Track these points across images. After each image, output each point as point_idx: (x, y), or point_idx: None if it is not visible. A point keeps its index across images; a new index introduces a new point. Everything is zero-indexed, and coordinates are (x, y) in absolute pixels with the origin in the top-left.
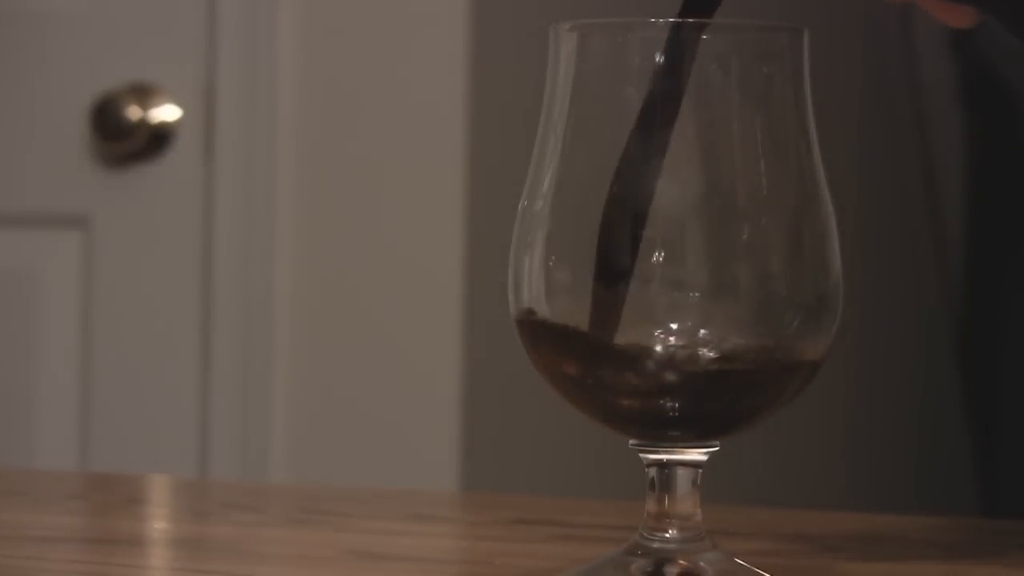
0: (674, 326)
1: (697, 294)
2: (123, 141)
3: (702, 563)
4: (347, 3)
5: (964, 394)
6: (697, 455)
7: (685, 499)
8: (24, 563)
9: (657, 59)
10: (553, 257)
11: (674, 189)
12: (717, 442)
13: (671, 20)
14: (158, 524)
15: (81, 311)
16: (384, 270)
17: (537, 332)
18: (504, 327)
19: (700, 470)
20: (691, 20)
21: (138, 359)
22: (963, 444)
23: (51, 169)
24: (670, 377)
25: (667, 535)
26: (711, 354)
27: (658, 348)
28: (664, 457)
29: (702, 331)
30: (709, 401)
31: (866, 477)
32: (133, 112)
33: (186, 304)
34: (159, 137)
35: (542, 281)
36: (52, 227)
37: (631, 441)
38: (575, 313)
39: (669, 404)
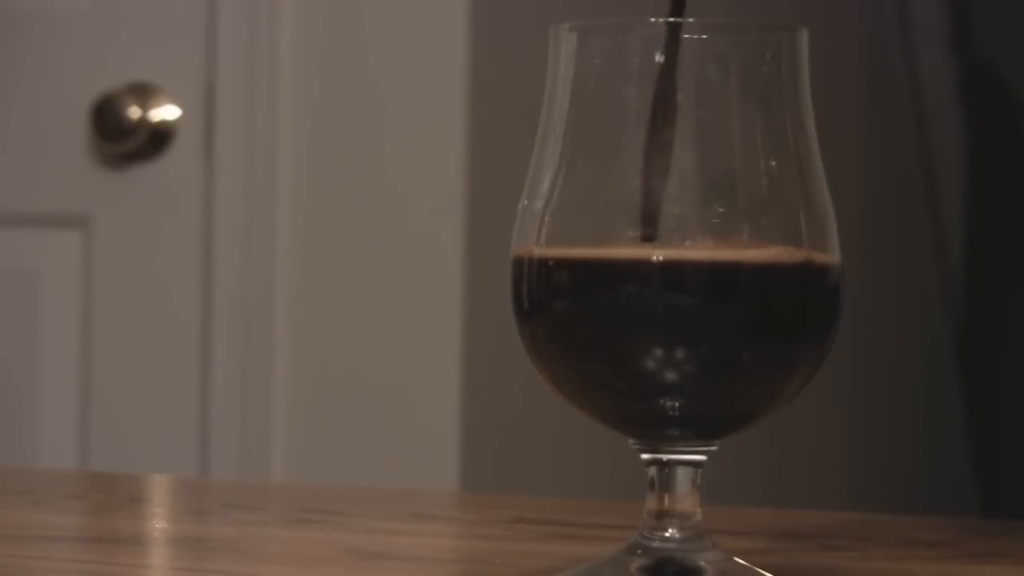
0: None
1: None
2: (123, 141)
3: (702, 562)
4: (347, 3)
5: (964, 394)
6: (697, 455)
7: (685, 498)
8: (25, 562)
9: (657, 59)
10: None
11: (674, 188)
12: (717, 442)
13: (668, 20)
14: (158, 523)
15: (81, 311)
16: (384, 270)
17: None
18: (504, 327)
19: (700, 470)
20: (691, 20)
21: (138, 359)
22: (963, 444)
23: (51, 169)
24: (671, 376)
25: (667, 534)
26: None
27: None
28: (664, 457)
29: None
30: (709, 401)
31: (866, 477)
32: (133, 112)
33: (186, 304)
34: (159, 137)
35: (542, 281)
36: (52, 227)
37: (631, 441)
38: (575, 313)
39: (669, 404)
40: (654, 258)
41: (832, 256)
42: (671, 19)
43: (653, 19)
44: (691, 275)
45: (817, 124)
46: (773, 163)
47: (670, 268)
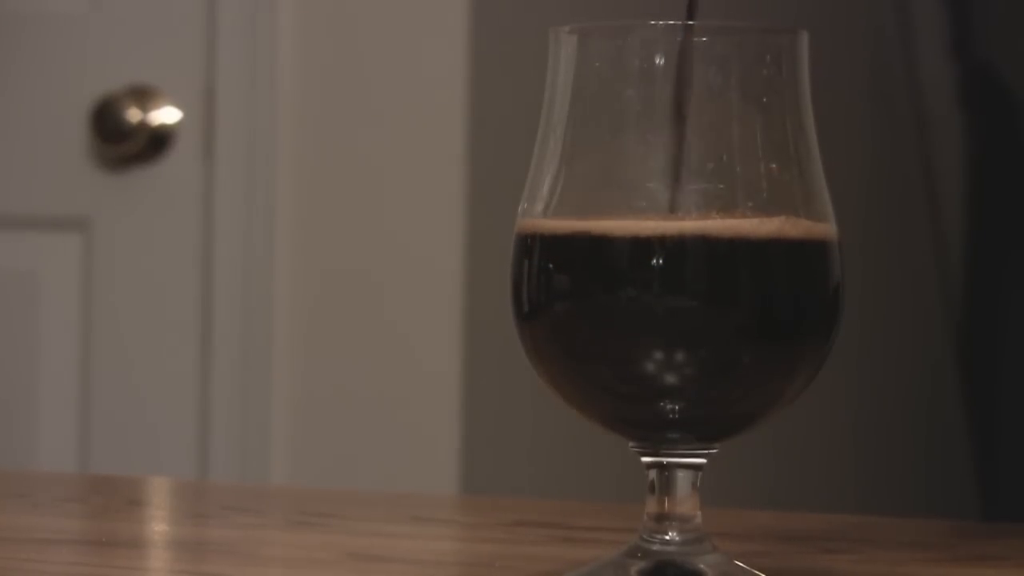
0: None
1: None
2: (123, 143)
3: (702, 565)
4: (347, 4)
5: (964, 396)
6: (697, 458)
7: (685, 501)
8: (24, 565)
9: (657, 61)
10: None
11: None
12: (717, 445)
13: (676, 23)
14: (158, 526)
15: (81, 313)
16: (384, 270)
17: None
18: (504, 328)
19: (700, 472)
20: (691, 23)
21: (138, 360)
22: (963, 446)
23: (51, 171)
24: (670, 380)
25: (667, 537)
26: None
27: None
28: (664, 459)
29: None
30: (709, 403)
31: (866, 479)
32: (133, 114)
33: (186, 305)
34: (159, 139)
35: (543, 283)
36: (52, 229)
37: (631, 443)
38: (575, 316)
39: (669, 406)
40: (653, 235)
41: (831, 238)
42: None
43: (653, 22)
44: (691, 251)
45: (817, 126)
46: (773, 165)
47: (671, 246)
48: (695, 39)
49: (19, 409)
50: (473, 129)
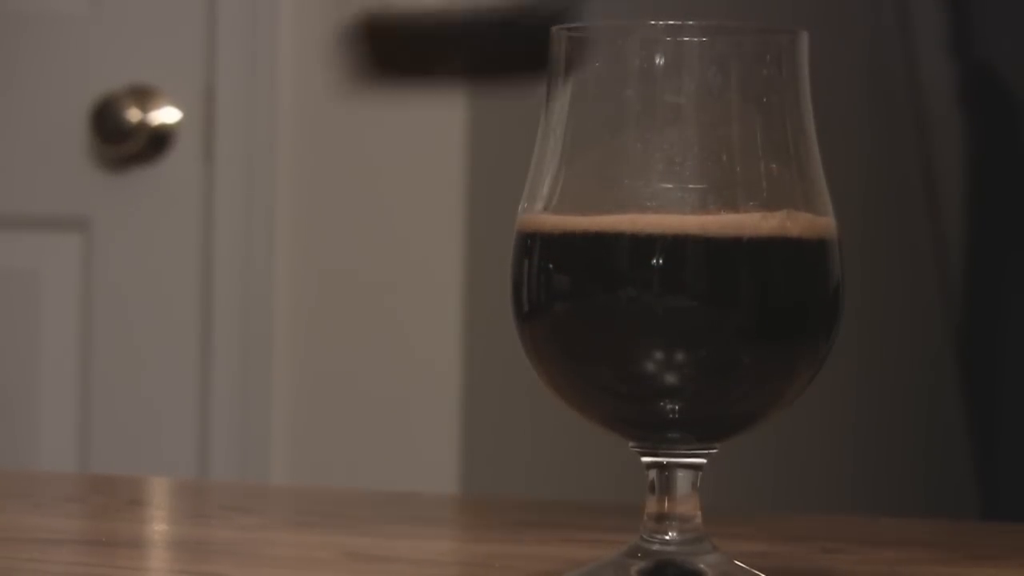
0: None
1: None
2: (123, 143)
3: (702, 565)
4: (347, 4)
5: (964, 395)
6: (697, 457)
7: (685, 501)
8: (24, 565)
9: (657, 61)
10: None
11: (673, 191)
12: (717, 444)
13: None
14: (158, 526)
15: (81, 313)
16: (384, 271)
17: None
18: (504, 328)
19: (700, 472)
20: (691, 23)
21: (138, 360)
22: (963, 447)
23: (51, 171)
24: (670, 380)
25: (667, 537)
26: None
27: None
28: (664, 459)
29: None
30: (709, 403)
31: (866, 479)
32: (133, 114)
33: (186, 305)
34: (159, 139)
35: (543, 283)
36: (52, 229)
37: (631, 443)
38: (575, 316)
39: (669, 406)
40: (654, 233)
41: (832, 235)
42: None
43: (652, 22)
44: (692, 248)
45: (817, 126)
46: (773, 165)
47: (671, 244)
48: (696, 39)
49: (20, 409)
50: (473, 130)
